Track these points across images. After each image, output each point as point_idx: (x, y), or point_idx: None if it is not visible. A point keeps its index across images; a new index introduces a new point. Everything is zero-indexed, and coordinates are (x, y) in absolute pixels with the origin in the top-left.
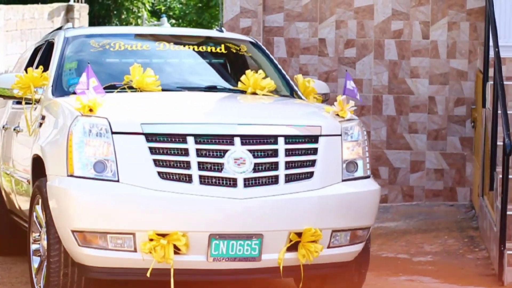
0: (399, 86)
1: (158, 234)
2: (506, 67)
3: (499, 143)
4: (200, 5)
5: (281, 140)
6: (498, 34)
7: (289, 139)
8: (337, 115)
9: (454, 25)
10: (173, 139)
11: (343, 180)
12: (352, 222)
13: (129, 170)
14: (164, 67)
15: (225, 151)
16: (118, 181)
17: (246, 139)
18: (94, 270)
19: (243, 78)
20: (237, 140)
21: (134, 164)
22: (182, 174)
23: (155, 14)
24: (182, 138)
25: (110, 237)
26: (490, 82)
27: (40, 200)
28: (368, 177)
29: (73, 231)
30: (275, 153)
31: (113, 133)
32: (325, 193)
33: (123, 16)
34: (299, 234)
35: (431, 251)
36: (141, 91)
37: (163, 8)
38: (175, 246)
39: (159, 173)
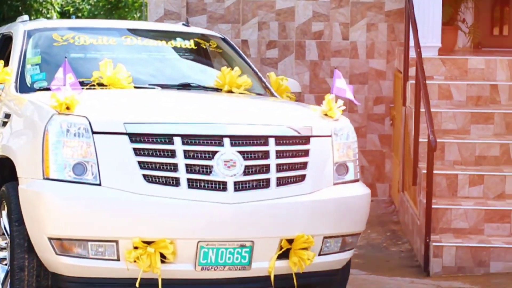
0: (320, 86)
1: (144, 242)
2: (425, 67)
3: (422, 139)
4: (109, 6)
5: (271, 141)
6: (410, 37)
7: (280, 140)
8: (326, 115)
9: (373, 27)
10: (159, 140)
11: (334, 184)
12: (344, 228)
13: (112, 172)
14: (133, 63)
15: (214, 152)
16: (99, 184)
17: (236, 140)
18: (72, 280)
19: (218, 75)
20: (226, 141)
21: (117, 166)
22: (169, 177)
23: (64, 15)
24: (168, 138)
25: (91, 244)
26: (411, 82)
27: (5, 206)
28: (357, 180)
29: (49, 238)
30: (265, 155)
31: (93, 133)
32: (318, 197)
33: (32, 18)
34: (290, 241)
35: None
36: (111, 88)
37: (71, 9)
38: (161, 254)
39: (144, 176)
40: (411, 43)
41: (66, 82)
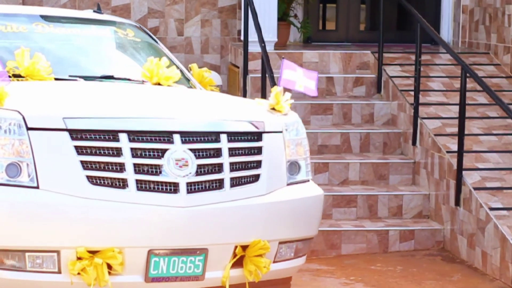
0: None
1: (89, 251)
2: (258, 61)
3: None
4: None
5: (223, 137)
6: (249, 32)
7: (232, 136)
8: (273, 109)
9: (207, 22)
10: (103, 137)
11: (287, 184)
12: (298, 233)
13: (51, 174)
14: (48, 53)
15: (164, 150)
16: (37, 187)
17: (187, 137)
18: None
19: (146, 66)
20: (176, 138)
21: (57, 166)
22: (115, 178)
23: None
24: (113, 135)
25: (28, 256)
26: (251, 75)
27: None
28: (308, 180)
29: None
30: (218, 152)
31: (28, 129)
32: (273, 199)
33: None
34: (244, 247)
35: None
36: (29, 80)
37: None
38: (108, 265)
39: (88, 177)
40: (250, 38)
41: None
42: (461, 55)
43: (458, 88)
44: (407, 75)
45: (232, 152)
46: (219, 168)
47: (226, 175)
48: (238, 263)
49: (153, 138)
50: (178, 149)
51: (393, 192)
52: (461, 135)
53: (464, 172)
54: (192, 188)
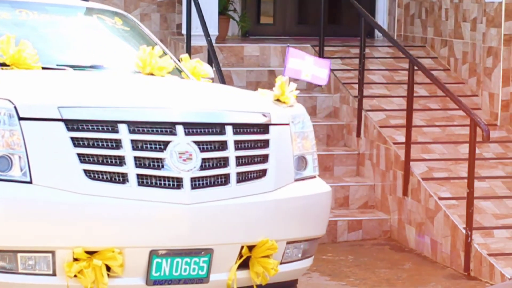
0: None
1: (87, 252)
2: (203, 54)
3: None
4: None
5: (229, 129)
6: (192, 25)
7: (237, 128)
8: (278, 100)
9: (146, 16)
10: (102, 128)
11: (295, 180)
12: (307, 232)
13: (46, 167)
14: (34, 40)
15: (167, 143)
16: (30, 182)
17: (190, 128)
18: None
19: (139, 56)
20: (179, 129)
21: (52, 160)
22: (115, 172)
23: None
24: (112, 126)
25: (20, 256)
26: None
27: None
28: (315, 176)
29: None
30: (223, 146)
31: (20, 119)
32: (281, 196)
33: None
34: (250, 248)
35: None
36: (14, 69)
37: None
38: (106, 267)
39: (85, 171)
40: (193, 32)
41: None
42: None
43: (399, 81)
44: (349, 68)
45: (238, 145)
46: (224, 162)
47: (232, 169)
48: (244, 264)
49: (154, 129)
50: (181, 142)
51: (339, 183)
52: (408, 127)
53: (411, 163)
54: (197, 183)
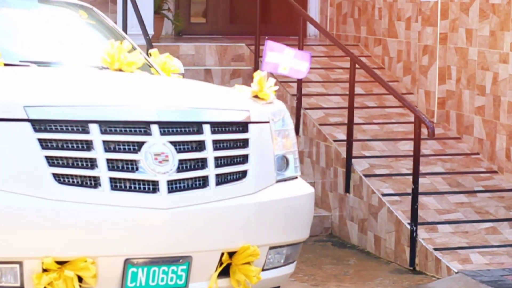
0: None
1: (58, 262)
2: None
3: None
4: None
5: (206, 128)
6: (127, 24)
7: (215, 127)
8: (256, 96)
9: None
10: (72, 128)
11: (276, 182)
12: (290, 236)
13: (10, 171)
14: None
15: (141, 143)
16: None
17: (166, 127)
18: None
19: (106, 51)
20: (154, 129)
21: (18, 163)
22: (86, 176)
23: None
24: (83, 126)
25: None
26: None
27: None
28: (297, 177)
29: None
30: (201, 146)
31: None
32: (263, 198)
33: None
34: (230, 254)
35: None
36: None
37: None
38: (78, 278)
39: (54, 175)
40: (129, 31)
41: None
42: (332, 46)
43: (335, 79)
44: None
45: (217, 145)
46: (202, 163)
47: (211, 171)
48: (225, 272)
49: (128, 129)
50: (156, 142)
51: None
52: (350, 124)
53: (353, 160)
54: (174, 186)
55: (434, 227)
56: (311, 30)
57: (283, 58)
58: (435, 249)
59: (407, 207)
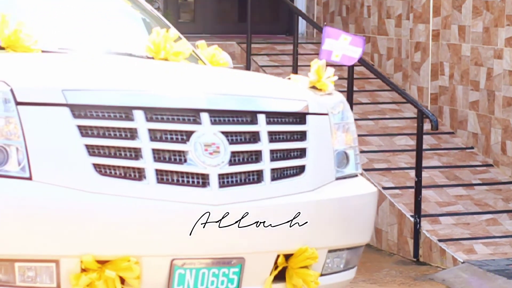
0: None
1: (98, 261)
2: None
3: None
4: None
5: (261, 118)
6: None
7: (271, 117)
8: (313, 87)
9: None
10: (114, 114)
11: (336, 179)
12: (351, 239)
13: (48, 161)
14: (32, 22)
15: (190, 133)
16: (30, 178)
17: (217, 116)
18: None
19: (151, 39)
20: (204, 117)
21: (55, 152)
22: (130, 167)
23: None
24: (126, 112)
25: (18, 266)
26: None
27: None
28: (357, 175)
29: None
30: (255, 137)
31: (18, 103)
32: (322, 196)
33: None
34: (287, 257)
35: None
36: (10, 51)
37: None
38: (121, 279)
39: (95, 165)
40: None
41: None
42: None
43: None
44: (277, 65)
45: (272, 136)
46: (256, 156)
47: (266, 165)
48: (280, 276)
49: (175, 117)
50: (206, 132)
51: None
52: None
53: None
54: (225, 181)
55: (436, 219)
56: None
57: (338, 45)
58: (439, 240)
59: (409, 200)
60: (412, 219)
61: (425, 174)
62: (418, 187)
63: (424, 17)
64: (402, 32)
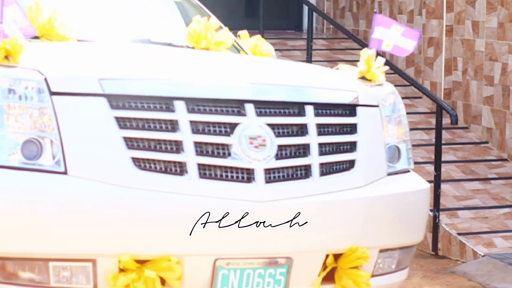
0: None
1: (137, 261)
2: None
3: None
4: None
5: (309, 110)
6: None
7: (319, 109)
8: (363, 78)
9: None
10: (154, 105)
11: (388, 174)
12: (403, 238)
13: (83, 154)
14: (68, 10)
15: (234, 125)
16: (65, 172)
17: (263, 108)
18: None
19: (192, 28)
20: (249, 109)
21: (92, 145)
22: (171, 161)
23: None
24: (167, 103)
25: (52, 266)
26: None
27: None
28: (409, 170)
29: None
30: (302, 130)
31: (52, 93)
32: (373, 193)
33: None
34: (336, 257)
35: None
36: (44, 40)
37: None
38: (161, 280)
39: (134, 159)
40: None
41: (6, 18)
42: (332, 40)
43: None
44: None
45: (321, 129)
46: (304, 150)
47: (314, 159)
48: (329, 277)
49: (219, 108)
50: (252, 124)
51: None
52: None
53: None
54: (272, 176)
55: (454, 213)
56: (305, 24)
57: (389, 34)
58: (459, 234)
59: None
60: (431, 213)
61: (441, 168)
62: (437, 181)
63: (437, 12)
64: (414, 28)
